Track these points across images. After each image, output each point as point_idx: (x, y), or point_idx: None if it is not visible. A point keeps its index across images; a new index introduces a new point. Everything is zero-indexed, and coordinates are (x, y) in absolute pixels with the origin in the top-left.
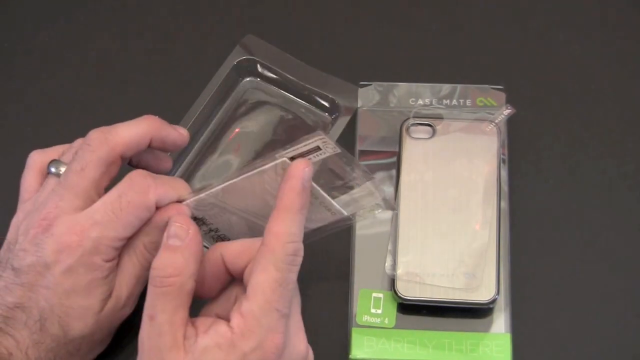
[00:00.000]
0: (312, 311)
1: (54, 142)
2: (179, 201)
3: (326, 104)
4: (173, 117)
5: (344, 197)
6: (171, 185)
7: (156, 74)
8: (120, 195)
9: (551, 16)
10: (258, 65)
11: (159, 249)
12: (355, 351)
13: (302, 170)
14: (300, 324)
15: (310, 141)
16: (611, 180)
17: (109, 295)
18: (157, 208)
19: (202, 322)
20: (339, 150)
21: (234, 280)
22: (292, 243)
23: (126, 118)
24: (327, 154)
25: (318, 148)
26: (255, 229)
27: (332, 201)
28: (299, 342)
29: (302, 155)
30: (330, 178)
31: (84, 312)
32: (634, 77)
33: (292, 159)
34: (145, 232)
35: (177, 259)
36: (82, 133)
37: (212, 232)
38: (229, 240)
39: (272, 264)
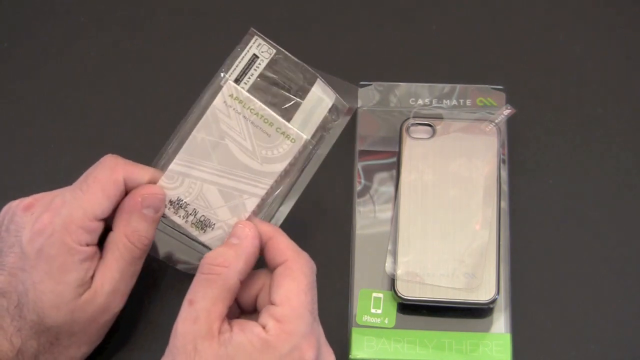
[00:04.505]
0: None
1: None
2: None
3: None
4: (173, 117)
5: (298, 117)
6: (142, 166)
7: (156, 74)
8: (88, 174)
9: (551, 16)
10: None
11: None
12: (355, 351)
13: (251, 226)
14: (325, 338)
15: (245, 51)
16: (611, 180)
17: (86, 285)
18: (130, 191)
19: (237, 322)
20: (274, 50)
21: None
22: (304, 254)
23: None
24: (266, 60)
25: (255, 57)
26: (227, 195)
27: (288, 124)
28: (329, 355)
29: (243, 72)
30: (279, 97)
31: (57, 297)
32: (633, 77)
33: (236, 80)
34: (124, 221)
35: (229, 253)
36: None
37: (190, 216)
38: (208, 222)
39: (298, 271)
